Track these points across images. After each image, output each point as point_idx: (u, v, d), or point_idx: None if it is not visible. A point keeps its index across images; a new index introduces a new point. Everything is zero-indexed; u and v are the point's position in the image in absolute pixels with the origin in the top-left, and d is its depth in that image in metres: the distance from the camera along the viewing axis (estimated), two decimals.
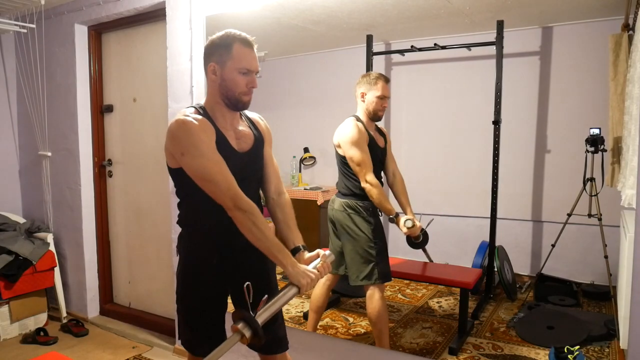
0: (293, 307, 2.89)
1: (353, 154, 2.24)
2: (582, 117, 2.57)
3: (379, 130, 2.41)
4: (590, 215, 2.39)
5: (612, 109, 2.15)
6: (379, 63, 2.86)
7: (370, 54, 2.79)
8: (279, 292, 1.47)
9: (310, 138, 3.43)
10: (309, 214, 3.40)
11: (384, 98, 2.30)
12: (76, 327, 3.15)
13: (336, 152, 2.35)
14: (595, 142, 2.27)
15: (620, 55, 2.09)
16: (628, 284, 1.66)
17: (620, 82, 2.08)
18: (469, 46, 2.68)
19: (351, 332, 2.58)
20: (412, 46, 2.74)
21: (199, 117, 1.49)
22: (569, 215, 2.52)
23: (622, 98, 2.07)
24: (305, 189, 3.43)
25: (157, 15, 2.84)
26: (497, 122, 2.61)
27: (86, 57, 3.26)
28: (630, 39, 2.05)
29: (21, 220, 3.44)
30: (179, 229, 1.67)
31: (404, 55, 2.85)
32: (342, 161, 2.32)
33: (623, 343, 1.74)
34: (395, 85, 2.94)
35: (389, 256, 2.39)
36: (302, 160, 3.50)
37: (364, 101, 2.32)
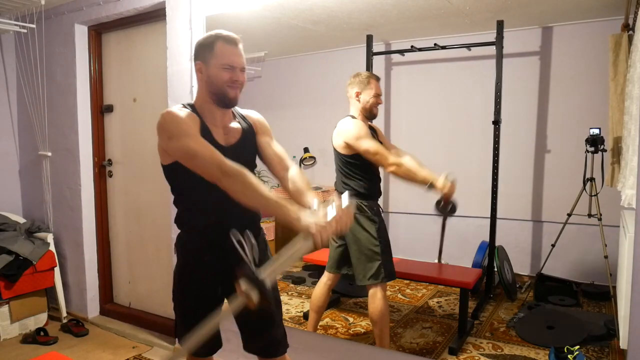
0: (293, 307, 2.89)
1: (368, 145, 2.23)
2: (582, 117, 2.57)
3: (371, 127, 2.41)
4: (590, 215, 2.39)
5: (612, 109, 2.15)
6: (379, 63, 2.86)
7: (370, 54, 2.79)
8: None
9: (310, 138, 3.43)
10: None
11: (378, 96, 2.34)
12: (76, 327, 3.15)
13: (337, 153, 2.33)
14: (595, 142, 2.27)
15: (620, 55, 2.09)
16: (628, 284, 1.66)
17: (620, 82, 2.08)
18: (469, 46, 2.68)
19: (351, 332, 2.58)
20: (412, 46, 2.75)
21: (186, 110, 1.55)
22: (569, 215, 2.52)
23: (622, 98, 2.07)
24: None
25: (157, 15, 2.84)
26: (497, 122, 2.61)
27: (86, 57, 3.26)
28: (630, 39, 2.05)
29: (21, 220, 3.44)
30: (178, 229, 1.67)
31: (404, 55, 2.85)
32: (345, 160, 2.31)
33: (623, 343, 1.74)
34: (396, 85, 2.94)
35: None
36: (302, 160, 3.50)
37: (359, 100, 2.33)
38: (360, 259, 2.26)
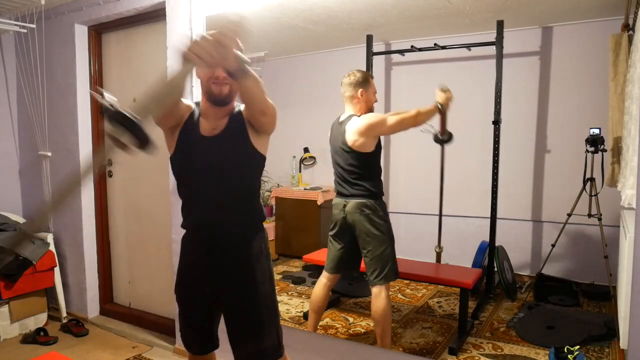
0: (293, 307, 2.89)
1: (390, 120, 2.25)
2: (582, 117, 2.57)
3: None
4: (590, 215, 2.39)
5: (612, 109, 2.15)
6: (379, 63, 2.86)
7: (370, 54, 2.79)
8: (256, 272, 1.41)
9: (310, 138, 3.43)
10: (309, 214, 3.40)
11: (375, 93, 2.37)
12: (76, 327, 3.15)
13: (356, 155, 2.26)
14: (595, 142, 2.27)
15: (620, 55, 2.09)
16: (628, 284, 1.66)
17: (620, 82, 2.08)
18: (469, 46, 2.69)
19: (351, 332, 2.58)
20: (412, 46, 2.75)
21: (188, 101, 1.62)
22: (569, 215, 2.52)
23: (622, 98, 2.07)
24: (305, 189, 3.43)
25: (157, 15, 2.84)
26: (497, 122, 2.61)
27: (86, 57, 3.26)
28: (630, 39, 2.05)
29: (21, 220, 3.44)
30: (179, 229, 1.67)
31: (404, 55, 2.85)
32: (365, 160, 2.27)
33: (623, 343, 1.74)
34: (396, 85, 2.94)
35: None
36: (302, 160, 3.50)
37: (363, 100, 2.33)
38: (374, 259, 2.26)
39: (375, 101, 2.38)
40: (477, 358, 2.22)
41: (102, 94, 1.04)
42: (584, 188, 2.38)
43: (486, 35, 2.56)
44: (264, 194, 3.68)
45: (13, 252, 0.92)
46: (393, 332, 2.47)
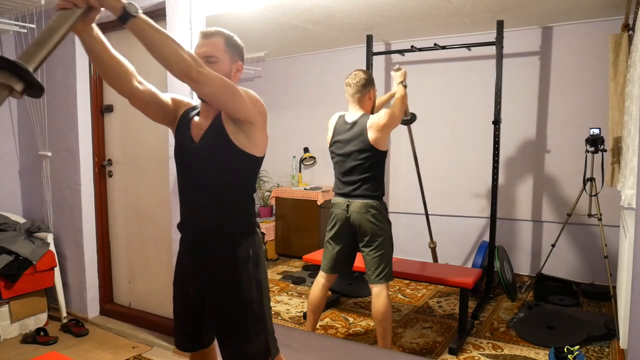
0: (293, 307, 2.89)
1: (397, 111, 2.27)
2: (582, 117, 2.58)
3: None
4: (590, 215, 2.39)
5: (612, 109, 2.15)
6: (379, 63, 2.86)
7: (370, 54, 2.79)
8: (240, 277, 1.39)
9: (310, 138, 3.43)
10: (309, 214, 3.40)
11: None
12: (76, 327, 3.15)
13: (374, 153, 2.25)
14: (595, 142, 2.27)
15: (620, 55, 2.09)
16: (628, 284, 1.66)
17: (620, 82, 2.08)
18: (469, 46, 2.69)
19: (351, 332, 2.58)
20: (412, 46, 2.75)
21: (189, 99, 1.63)
22: (569, 215, 2.53)
23: (622, 98, 2.07)
24: (305, 189, 3.43)
25: (157, 15, 2.84)
26: (497, 122, 2.61)
27: (86, 57, 3.24)
28: (630, 39, 2.05)
29: (21, 220, 3.44)
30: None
31: (404, 55, 2.85)
32: (382, 159, 2.28)
33: (623, 343, 1.74)
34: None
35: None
36: (302, 160, 3.50)
37: (373, 98, 2.34)
38: (376, 258, 2.26)
39: None
40: (477, 358, 2.22)
41: None
42: (584, 188, 2.38)
43: (486, 35, 2.56)
44: (264, 194, 3.68)
45: None
46: (393, 332, 2.47)
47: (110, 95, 3.33)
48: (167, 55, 1.26)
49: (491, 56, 2.56)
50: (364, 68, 2.73)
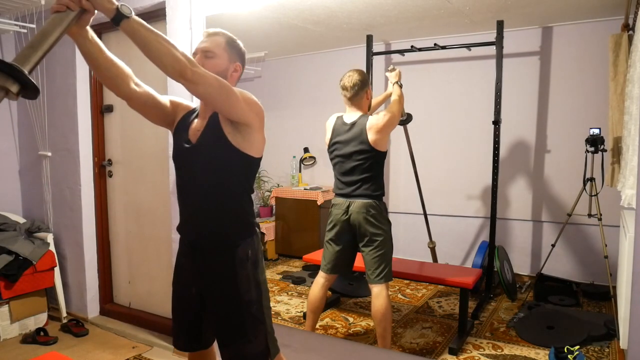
0: (293, 307, 2.89)
1: (396, 112, 2.28)
2: (582, 117, 2.58)
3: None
4: (590, 215, 2.39)
5: (612, 109, 2.15)
6: (379, 63, 2.86)
7: (370, 54, 2.79)
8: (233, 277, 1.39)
9: (310, 138, 3.43)
10: (309, 214, 3.40)
11: None
12: (76, 327, 3.15)
13: (374, 154, 2.25)
14: (595, 142, 2.27)
15: (620, 55, 2.09)
16: (628, 284, 1.66)
17: (620, 82, 2.08)
18: (469, 46, 2.69)
19: (351, 332, 2.58)
20: (412, 46, 2.75)
21: (189, 102, 1.63)
22: (569, 215, 2.53)
23: (622, 98, 2.07)
24: (305, 189, 3.43)
25: (157, 15, 2.84)
26: (497, 122, 2.61)
27: None
28: (630, 39, 2.05)
29: (21, 220, 3.44)
30: None
31: (404, 55, 2.85)
32: (383, 159, 2.29)
33: (623, 343, 1.74)
34: None
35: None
36: (302, 160, 3.50)
37: (369, 98, 2.35)
38: (376, 258, 2.26)
39: None
40: (477, 358, 2.22)
41: None
42: (584, 188, 2.38)
43: (486, 35, 2.56)
44: (264, 194, 3.68)
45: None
46: (393, 332, 2.47)
47: (110, 96, 3.33)
48: (160, 56, 1.26)
49: (491, 56, 2.56)
50: (364, 68, 2.73)
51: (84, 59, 1.43)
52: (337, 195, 2.36)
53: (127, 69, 1.50)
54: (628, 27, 2.10)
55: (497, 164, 2.65)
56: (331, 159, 2.39)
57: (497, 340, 2.36)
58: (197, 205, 1.51)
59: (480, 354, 2.25)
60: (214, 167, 1.47)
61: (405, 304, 2.84)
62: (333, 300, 2.86)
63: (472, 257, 2.86)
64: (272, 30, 2.96)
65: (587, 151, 2.31)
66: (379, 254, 2.25)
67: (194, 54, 1.50)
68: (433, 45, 2.68)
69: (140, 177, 3.22)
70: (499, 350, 2.27)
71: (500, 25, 2.50)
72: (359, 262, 2.37)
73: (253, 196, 1.58)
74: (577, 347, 1.98)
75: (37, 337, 2.98)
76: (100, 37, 3.47)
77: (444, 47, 2.69)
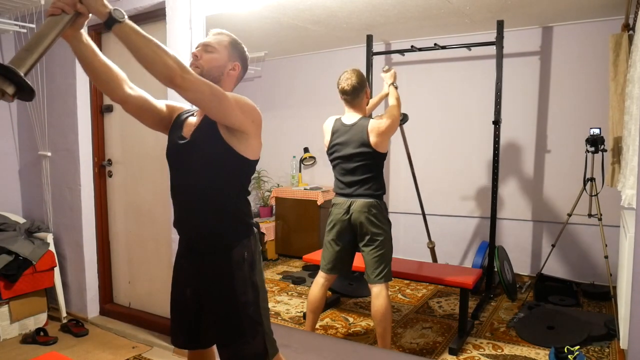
0: (293, 307, 2.89)
1: (396, 115, 2.28)
2: (582, 117, 2.58)
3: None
4: (590, 215, 2.39)
5: (612, 109, 2.15)
6: (379, 63, 2.86)
7: (370, 54, 2.79)
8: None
9: (310, 138, 3.43)
10: (309, 214, 3.40)
11: None
12: (76, 327, 3.15)
13: (374, 155, 2.26)
14: (595, 142, 2.27)
15: (620, 55, 2.09)
16: (628, 284, 1.66)
17: (620, 82, 2.08)
18: (469, 46, 2.69)
19: (351, 332, 2.57)
20: (412, 46, 2.75)
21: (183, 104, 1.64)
22: (569, 215, 2.52)
23: (622, 98, 2.07)
24: (305, 189, 3.43)
25: (157, 15, 2.84)
26: (497, 122, 2.61)
27: None
28: (631, 38, 2.05)
29: (21, 220, 3.44)
30: None
31: (404, 55, 2.85)
32: (382, 161, 2.30)
33: (623, 343, 1.74)
34: None
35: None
36: (302, 160, 3.50)
37: (367, 98, 2.35)
38: (376, 258, 2.26)
39: None
40: (477, 358, 2.22)
41: None
42: (584, 188, 2.38)
43: (486, 35, 2.56)
44: (264, 194, 3.68)
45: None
46: (393, 332, 2.47)
47: None
48: (151, 61, 1.26)
49: (491, 56, 2.56)
50: (364, 68, 2.73)
51: (78, 61, 1.42)
52: (338, 194, 2.36)
53: (121, 73, 1.50)
54: (628, 27, 2.10)
55: (497, 164, 2.65)
56: (331, 161, 2.39)
57: (497, 340, 2.36)
58: (192, 205, 1.50)
59: (481, 354, 2.24)
60: (208, 164, 1.45)
61: (405, 304, 2.84)
62: (333, 300, 2.86)
63: (472, 257, 2.86)
64: (272, 30, 2.96)
65: (587, 151, 2.31)
66: (379, 253, 2.25)
67: (196, 47, 1.53)
68: (433, 45, 2.68)
69: (140, 177, 3.22)
70: (499, 351, 2.27)
71: (500, 25, 2.50)
72: (359, 262, 2.37)
73: (252, 196, 1.58)
74: (577, 347, 1.97)
75: (37, 337, 2.98)
76: (100, 37, 3.50)
77: (444, 47, 2.69)
